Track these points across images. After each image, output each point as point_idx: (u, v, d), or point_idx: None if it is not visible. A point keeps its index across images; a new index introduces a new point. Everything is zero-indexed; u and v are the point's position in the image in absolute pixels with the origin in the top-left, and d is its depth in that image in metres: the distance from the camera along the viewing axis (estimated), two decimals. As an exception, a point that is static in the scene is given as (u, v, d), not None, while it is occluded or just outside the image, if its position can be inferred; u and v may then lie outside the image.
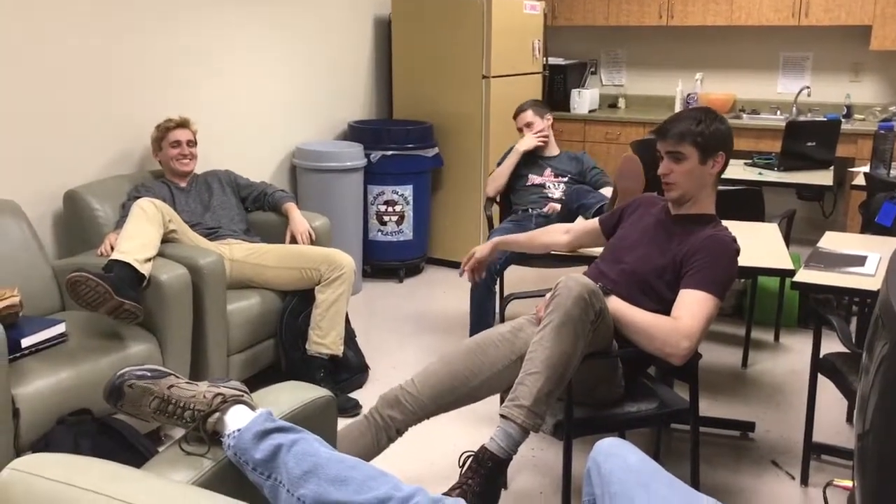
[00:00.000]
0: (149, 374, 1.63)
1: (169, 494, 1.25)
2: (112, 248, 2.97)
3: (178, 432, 2.89)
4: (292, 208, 3.67)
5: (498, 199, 4.33)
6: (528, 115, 4.14)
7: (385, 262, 5.07)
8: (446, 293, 4.84)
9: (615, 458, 1.59)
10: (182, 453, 1.55)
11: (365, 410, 2.47)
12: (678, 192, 2.43)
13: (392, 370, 3.70)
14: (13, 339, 2.51)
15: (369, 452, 2.36)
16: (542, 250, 2.93)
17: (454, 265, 5.29)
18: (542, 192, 4.06)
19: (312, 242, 3.59)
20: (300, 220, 3.61)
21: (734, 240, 2.37)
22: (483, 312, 3.77)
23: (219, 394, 1.61)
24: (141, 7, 3.70)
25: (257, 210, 3.77)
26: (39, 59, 3.29)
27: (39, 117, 3.32)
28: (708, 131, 2.36)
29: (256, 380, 3.34)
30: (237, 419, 1.57)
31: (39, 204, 3.34)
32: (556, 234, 2.87)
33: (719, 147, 2.38)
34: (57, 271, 3.09)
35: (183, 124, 3.55)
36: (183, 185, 3.57)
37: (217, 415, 1.58)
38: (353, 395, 3.41)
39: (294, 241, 3.57)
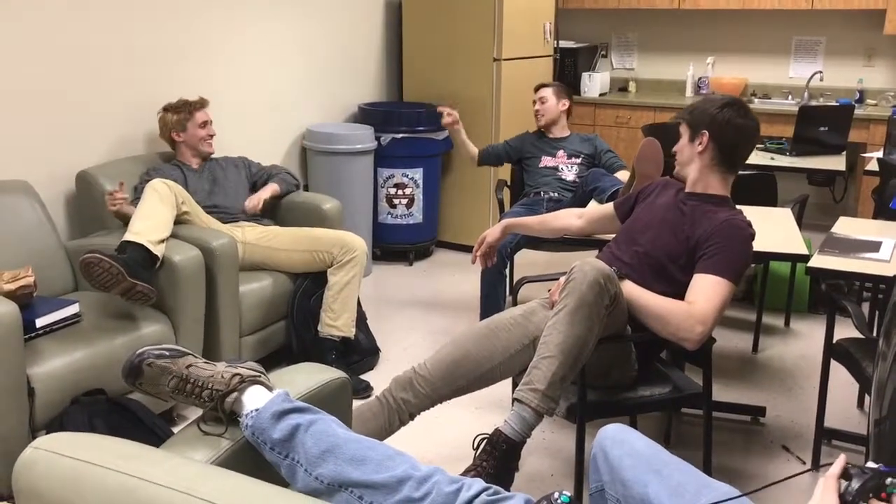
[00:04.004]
0: (167, 353, 1.63)
1: (188, 473, 1.26)
2: (115, 198, 3.05)
3: (192, 412, 2.93)
4: (267, 186, 3.65)
5: (509, 183, 4.33)
6: (545, 92, 4.16)
7: (395, 245, 5.07)
8: (456, 276, 4.85)
9: (623, 444, 1.59)
10: (200, 433, 1.56)
11: (377, 392, 2.48)
12: (677, 168, 2.55)
13: (403, 353, 3.71)
14: (28, 320, 2.52)
15: (381, 434, 2.37)
16: (553, 235, 2.92)
17: (464, 248, 5.29)
18: (555, 175, 4.05)
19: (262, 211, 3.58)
20: (256, 195, 3.57)
21: (749, 224, 2.37)
22: (493, 295, 3.77)
23: (236, 374, 1.61)
24: (152, -13, 3.70)
25: None
26: (52, 41, 3.29)
27: (52, 99, 3.32)
28: (697, 111, 2.44)
29: (268, 361, 3.36)
30: (255, 399, 1.58)
31: (52, 185, 3.34)
32: (569, 219, 2.86)
33: (703, 126, 2.41)
34: (70, 252, 3.10)
35: (204, 105, 3.56)
36: (195, 166, 3.57)
37: (235, 395, 1.59)
38: (365, 377, 3.42)
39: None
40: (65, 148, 3.40)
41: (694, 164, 2.45)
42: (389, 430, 2.39)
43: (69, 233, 3.44)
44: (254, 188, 3.74)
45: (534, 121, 4.24)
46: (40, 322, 2.61)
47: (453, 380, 2.39)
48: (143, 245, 2.81)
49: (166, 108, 3.55)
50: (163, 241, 2.90)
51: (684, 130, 2.48)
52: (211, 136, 3.56)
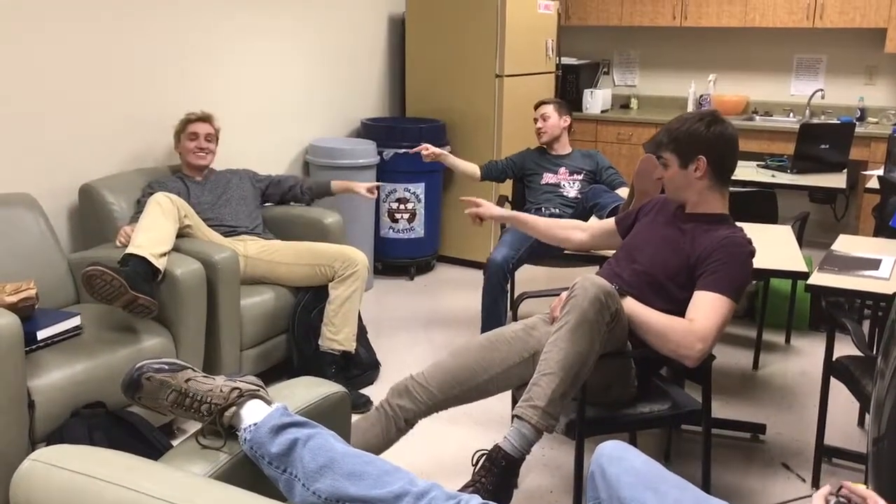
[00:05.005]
0: (166, 367, 1.64)
1: (186, 487, 1.26)
2: (127, 238, 2.99)
3: (191, 426, 2.93)
4: (339, 182, 3.82)
5: (510, 198, 4.34)
6: (547, 109, 4.16)
7: (396, 260, 5.08)
8: (457, 291, 4.85)
9: (620, 461, 1.58)
10: (198, 447, 1.56)
11: (376, 404, 2.48)
12: (670, 196, 2.49)
13: (403, 367, 3.70)
14: (29, 332, 2.52)
15: (379, 443, 2.37)
16: (554, 243, 2.90)
17: (465, 263, 5.31)
18: (556, 192, 4.06)
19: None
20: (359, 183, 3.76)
21: (750, 241, 2.37)
22: (495, 311, 3.77)
23: (235, 388, 1.62)
24: (157, 4, 3.72)
25: (291, 201, 3.82)
26: (56, 55, 3.31)
27: (56, 112, 3.34)
28: (683, 136, 2.37)
29: (268, 375, 3.36)
30: (253, 413, 1.58)
31: (55, 197, 3.36)
32: (573, 231, 2.86)
33: (697, 151, 2.36)
34: (72, 264, 3.11)
35: (204, 118, 3.58)
36: (198, 178, 3.59)
37: (233, 409, 1.59)
38: (364, 391, 3.42)
39: (369, 191, 3.75)
40: (68, 161, 3.41)
41: (692, 188, 2.41)
42: (387, 439, 2.39)
43: (71, 245, 3.46)
44: (270, 197, 3.79)
45: (535, 137, 4.25)
46: (41, 334, 2.62)
47: (450, 387, 2.39)
48: (145, 258, 2.82)
49: (180, 120, 3.59)
50: (165, 254, 2.91)
51: (672, 159, 2.41)
52: (201, 149, 3.54)
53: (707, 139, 2.36)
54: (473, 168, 4.22)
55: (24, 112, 3.22)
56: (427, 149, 4.06)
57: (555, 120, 4.14)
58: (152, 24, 3.72)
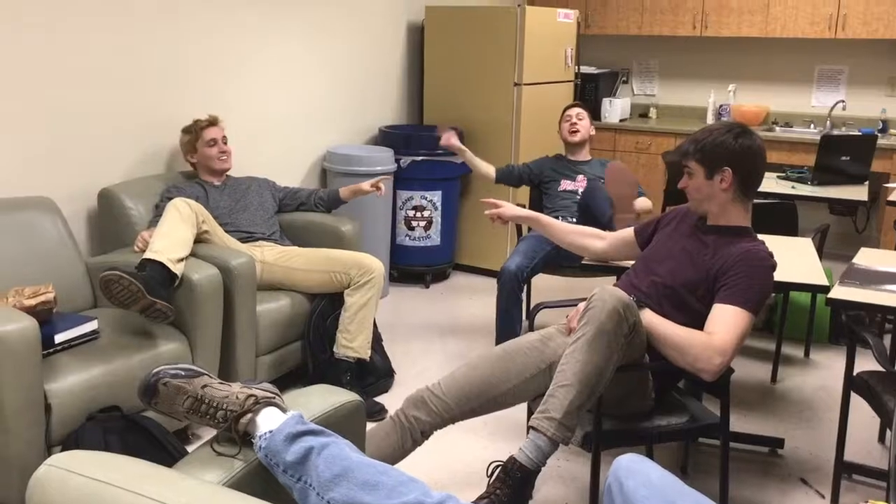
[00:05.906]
0: (183, 373, 1.64)
1: (200, 495, 1.25)
2: (145, 243, 3.01)
3: (206, 431, 2.94)
4: (346, 188, 3.82)
5: (527, 206, 4.32)
6: (583, 111, 4.15)
7: (412, 267, 5.07)
8: (472, 299, 4.84)
9: (637, 474, 1.57)
10: (213, 454, 1.56)
11: (391, 413, 2.47)
12: (693, 206, 2.47)
13: (417, 375, 3.70)
14: (47, 335, 2.54)
15: (394, 453, 2.36)
16: (572, 249, 2.87)
17: (481, 272, 5.30)
18: (574, 199, 4.04)
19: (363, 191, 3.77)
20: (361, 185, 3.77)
21: (771, 255, 2.34)
22: (509, 320, 3.76)
23: (251, 395, 1.61)
24: (175, 8, 3.74)
25: (307, 211, 3.82)
26: (76, 60, 3.33)
27: (76, 116, 3.36)
28: (709, 147, 2.35)
29: (283, 381, 3.36)
30: (269, 421, 1.58)
31: (74, 201, 3.38)
32: (592, 239, 2.82)
33: (724, 162, 2.34)
34: (90, 268, 3.13)
35: (213, 122, 3.58)
36: (217, 183, 3.60)
37: (249, 416, 1.58)
38: (379, 399, 3.41)
39: (369, 189, 3.75)
40: (87, 165, 3.44)
41: (715, 199, 2.40)
42: (402, 450, 2.38)
43: (90, 250, 3.48)
44: (287, 207, 3.80)
45: (552, 146, 4.24)
46: (59, 338, 2.63)
47: (466, 399, 2.38)
48: (162, 263, 2.83)
49: (182, 131, 3.59)
50: (182, 259, 2.92)
51: (697, 169, 2.39)
52: (223, 153, 3.56)
53: (734, 151, 2.34)
54: (489, 169, 4.20)
55: (43, 116, 3.24)
56: (450, 139, 4.06)
57: (588, 123, 4.15)
58: (171, 30, 3.74)
